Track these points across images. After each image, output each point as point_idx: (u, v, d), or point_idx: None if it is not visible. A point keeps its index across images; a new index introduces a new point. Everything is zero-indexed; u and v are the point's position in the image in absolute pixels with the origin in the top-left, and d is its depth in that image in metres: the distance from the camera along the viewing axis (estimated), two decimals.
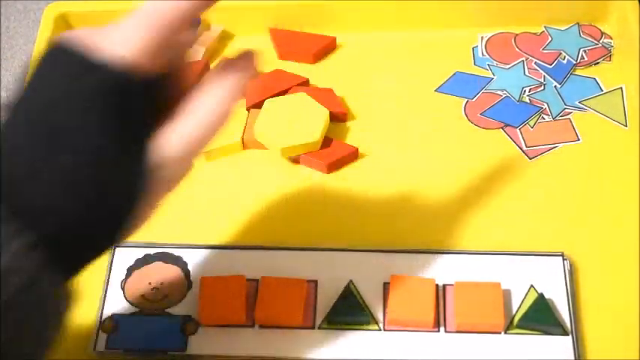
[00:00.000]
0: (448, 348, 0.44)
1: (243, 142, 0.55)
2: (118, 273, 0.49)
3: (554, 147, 0.54)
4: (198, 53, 0.60)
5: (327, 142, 0.54)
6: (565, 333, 0.44)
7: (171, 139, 0.35)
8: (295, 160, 0.54)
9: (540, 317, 0.44)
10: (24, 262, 0.30)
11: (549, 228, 0.50)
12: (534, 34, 0.60)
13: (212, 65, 0.59)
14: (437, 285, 0.46)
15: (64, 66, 0.35)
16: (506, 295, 0.46)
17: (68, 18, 0.61)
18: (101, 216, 0.33)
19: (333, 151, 0.54)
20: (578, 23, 0.60)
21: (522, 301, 0.46)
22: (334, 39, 0.61)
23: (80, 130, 0.32)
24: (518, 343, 0.44)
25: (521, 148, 0.54)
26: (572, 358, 0.44)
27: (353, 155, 0.54)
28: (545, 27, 0.60)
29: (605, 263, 0.48)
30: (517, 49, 0.59)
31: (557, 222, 0.50)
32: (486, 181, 0.53)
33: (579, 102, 0.56)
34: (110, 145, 0.32)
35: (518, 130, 0.55)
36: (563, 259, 0.47)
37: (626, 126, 0.55)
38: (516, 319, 0.45)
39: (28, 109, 0.33)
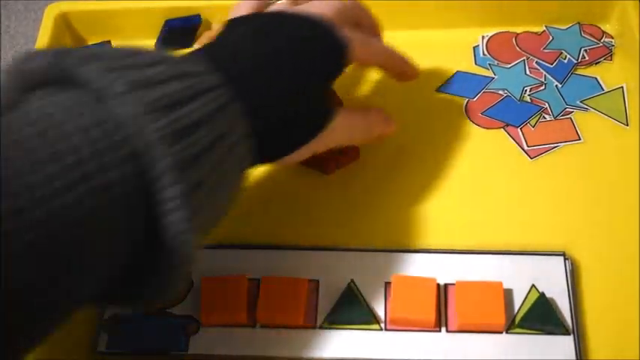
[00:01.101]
0: (449, 347, 0.44)
1: None
2: None
3: (555, 146, 0.54)
4: None
5: None
6: (567, 332, 0.44)
7: None
8: None
9: (542, 317, 0.44)
10: (235, 124, 0.37)
11: (550, 227, 0.50)
12: (535, 33, 0.60)
13: None
14: (438, 284, 0.46)
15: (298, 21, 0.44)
16: (508, 295, 0.46)
17: (69, 18, 0.61)
18: (299, 112, 0.42)
19: (333, 150, 0.53)
20: (579, 23, 0.60)
21: (524, 301, 0.46)
22: None
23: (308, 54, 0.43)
24: (519, 343, 0.44)
25: (522, 148, 0.54)
26: (574, 357, 0.44)
27: (354, 155, 0.54)
28: (546, 26, 0.60)
29: (606, 263, 0.48)
30: (518, 48, 0.59)
31: (558, 221, 0.50)
32: (487, 180, 0.53)
33: (580, 101, 0.56)
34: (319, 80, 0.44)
35: (519, 129, 0.55)
36: (565, 259, 0.47)
37: (627, 125, 0.55)
38: (518, 318, 0.45)
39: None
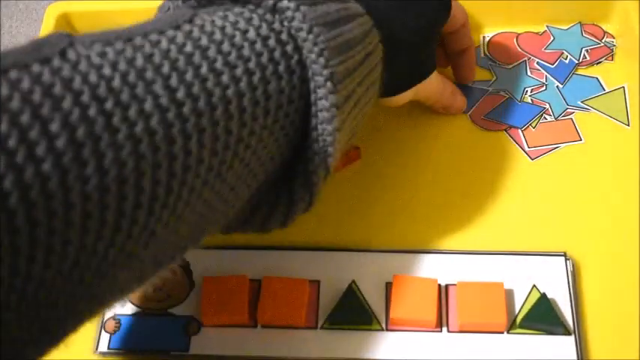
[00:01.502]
0: (451, 348, 0.44)
1: None
2: None
3: (557, 147, 0.54)
4: None
5: None
6: (568, 333, 0.44)
7: None
8: None
9: (543, 317, 0.44)
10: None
11: (552, 228, 0.50)
12: (536, 33, 0.60)
13: None
14: (439, 285, 0.46)
15: None
16: (509, 295, 0.46)
17: (70, 18, 0.61)
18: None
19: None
20: (580, 23, 0.60)
21: (525, 301, 0.46)
22: None
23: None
24: (520, 343, 0.44)
25: (523, 149, 0.54)
26: (575, 358, 0.44)
27: (355, 155, 0.54)
28: (547, 26, 0.60)
29: (608, 263, 0.48)
30: (519, 48, 0.59)
31: (559, 222, 0.50)
32: (489, 181, 0.53)
33: (581, 102, 0.56)
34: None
35: (520, 130, 0.55)
36: (566, 259, 0.47)
37: (628, 125, 0.55)
38: (519, 318, 0.45)
39: None
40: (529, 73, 0.58)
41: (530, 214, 0.51)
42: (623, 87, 0.57)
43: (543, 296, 0.45)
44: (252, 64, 0.34)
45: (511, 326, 0.45)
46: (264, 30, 0.35)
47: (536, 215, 0.51)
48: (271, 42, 0.35)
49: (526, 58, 0.59)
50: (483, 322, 0.44)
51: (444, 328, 0.45)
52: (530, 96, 0.56)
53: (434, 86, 0.51)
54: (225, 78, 0.33)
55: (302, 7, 0.35)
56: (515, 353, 0.44)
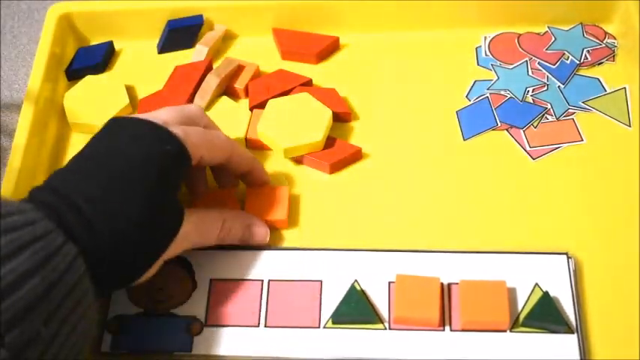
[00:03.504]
0: (454, 347, 0.45)
1: (246, 142, 0.55)
2: None
3: (558, 147, 0.54)
4: (201, 53, 0.60)
5: (330, 142, 0.54)
6: (570, 331, 0.44)
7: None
8: (298, 161, 0.54)
9: (545, 315, 0.44)
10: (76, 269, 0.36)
11: (553, 228, 0.50)
12: (538, 34, 0.60)
13: (215, 65, 0.59)
14: (442, 284, 0.46)
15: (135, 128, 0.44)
16: (512, 294, 0.46)
17: (71, 18, 0.61)
18: (144, 239, 0.40)
19: (336, 151, 0.54)
20: (581, 23, 0.60)
21: (527, 300, 0.46)
22: (337, 39, 0.61)
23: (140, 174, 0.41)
24: (523, 342, 0.44)
25: (524, 149, 0.54)
26: (578, 356, 0.44)
27: (356, 155, 0.54)
28: (548, 27, 0.60)
29: (609, 263, 0.48)
30: (520, 49, 0.59)
31: (560, 222, 0.50)
32: (490, 181, 0.53)
33: (583, 102, 0.56)
34: (160, 190, 0.41)
35: (521, 130, 0.55)
36: (568, 258, 0.47)
37: (629, 126, 0.55)
38: (521, 317, 0.45)
39: (94, 153, 0.42)
40: (530, 74, 0.58)
41: (532, 213, 0.51)
42: (625, 88, 0.57)
43: (546, 295, 0.45)
44: None
45: (514, 325, 0.45)
46: None
47: (537, 215, 0.51)
48: None
49: (527, 59, 0.59)
50: (486, 320, 0.44)
51: (447, 327, 0.45)
52: (531, 96, 0.57)
53: (195, 233, 0.45)
54: None
55: None
56: (518, 352, 0.44)
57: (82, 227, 0.38)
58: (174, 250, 0.43)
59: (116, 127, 0.44)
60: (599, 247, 0.49)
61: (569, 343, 0.44)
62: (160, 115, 0.45)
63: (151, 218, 0.40)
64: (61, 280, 0.35)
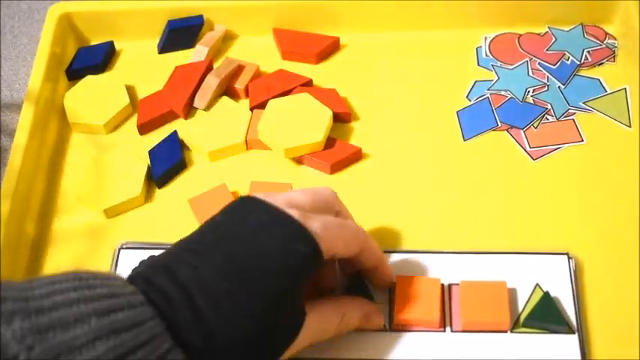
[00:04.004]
0: (455, 347, 0.44)
1: (246, 143, 0.55)
2: (123, 274, 0.49)
3: (558, 148, 0.54)
4: (201, 53, 0.60)
5: (330, 142, 0.54)
6: (571, 331, 0.44)
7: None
8: (299, 161, 0.54)
9: (546, 316, 0.44)
10: None
11: (553, 228, 0.50)
12: (538, 34, 0.60)
13: (215, 65, 0.59)
14: (442, 284, 0.46)
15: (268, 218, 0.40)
16: (512, 294, 0.46)
17: (72, 18, 0.61)
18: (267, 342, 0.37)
19: (336, 151, 0.54)
20: (582, 24, 0.60)
21: (528, 300, 0.46)
22: (338, 39, 0.61)
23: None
24: (524, 342, 0.44)
25: (524, 149, 0.54)
26: (579, 357, 0.44)
27: (356, 155, 0.54)
28: (549, 27, 0.60)
29: (609, 263, 0.48)
30: (521, 49, 0.59)
31: (561, 222, 0.50)
32: (490, 182, 0.53)
33: (583, 103, 0.56)
34: (290, 293, 0.38)
35: (522, 131, 0.55)
36: (569, 258, 0.47)
37: (629, 127, 0.55)
38: (522, 318, 0.45)
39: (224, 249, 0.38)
40: (531, 74, 0.58)
41: (532, 214, 0.51)
42: (625, 88, 0.57)
43: (546, 295, 0.45)
44: None
45: (514, 325, 0.45)
46: None
47: (538, 215, 0.51)
48: None
49: (528, 59, 0.59)
50: (487, 321, 0.44)
51: (448, 328, 0.45)
52: (532, 96, 0.57)
53: (307, 338, 0.41)
54: None
55: None
56: (519, 352, 0.44)
57: (196, 334, 0.34)
58: (287, 354, 0.39)
59: (245, 209, 0.40)
60: (599, 248, 0.49)
61: (570, 343, 0.44)
62: (293, 199, 0.41)
63: (273, 326, 0.37)
64: None
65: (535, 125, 0.55)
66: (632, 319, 0.46)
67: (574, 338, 0.44)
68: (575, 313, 0.45)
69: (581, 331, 0.44)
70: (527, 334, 0.45)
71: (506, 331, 0.45)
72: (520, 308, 0.46)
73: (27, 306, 0.31)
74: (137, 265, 0.38)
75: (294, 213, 0.39)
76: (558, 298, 0.46)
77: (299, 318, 0.40)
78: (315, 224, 0.40)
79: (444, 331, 0.45)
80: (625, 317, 0.46)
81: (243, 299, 0.36)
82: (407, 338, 0.45)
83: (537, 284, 0.46)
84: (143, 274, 0.36)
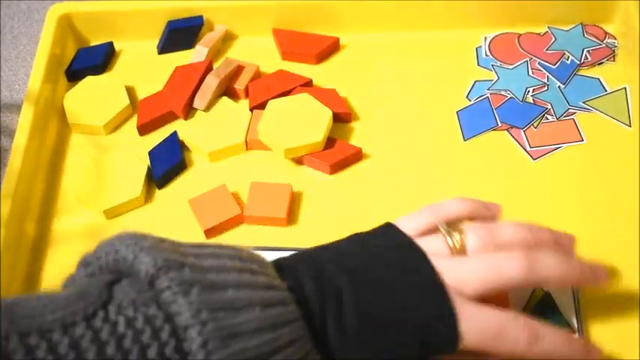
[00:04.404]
0: None
1: (246, 143, 0.55)
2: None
3: (558, 147, 0.54)
4: (201, 54, 0.60)
5: (330, 142, 0.54)
6: (572, 331, 0.44)
7: None
8: (299, 161, 0.54)
9: (547, 315, 0.44)
10: None
11: (553, 228, 0.50)
12: (538, 34, 0.60)
13: (215, 65, 0.59)
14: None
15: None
16: (513, 294, 0.46)
17: (72, 18, 0.61)
18: None
19: (336, 151, 0.54)
20: (582, 23, 0.60)
21: (528, 300, 0.46)
22: (338, 39, 0.61)
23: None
24: None
25: (524, 149, 0.54)
26: None
27: (356, 156, 0.54)
28: (549, 27, 0.60)
29: (609, 263, 0.48)
30: (521, 49, 0.59)
31: (561, 222, 0.50)
32: (490, 182, 0.53)
33: (583, 102, 0.56)
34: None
35: (522, 130, 0.55)
36: None
37: (630, 126, 0.55)
38: None
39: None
40: (531, 74, 0.58)
41: (532, 214, 0.51)
42: (625, 88, 0.57)
43: (547, 295, 0.45)
44: None
45: None
46: (168, 350, 0.30)
47: (537, 216, 0.50)
48: None
49: (528, 59, 0.59)
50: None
51: None
52: (532, 96, 0.57)
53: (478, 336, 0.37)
54: None
55: (209, 348, 0.30)
56: None
57: (335, 339, 0.35)
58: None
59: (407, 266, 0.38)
60: (599, 248, 0.48)
61: None
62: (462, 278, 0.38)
63: None
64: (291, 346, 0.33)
65: (535, 125, 0.55)
66: (632, 318, 0.45)
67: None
68: (575, 312, 0.45)
69: (582, 331, 0.44)
70: None
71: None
72: (521, 308, 0.45)
73: (204, 278, 0.32)
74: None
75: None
76: (558, 298, 0.46)
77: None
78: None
79: None
80: (625, 318, 0.46)
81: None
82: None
83: None
84: (292, 270, 0.36)
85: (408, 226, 0.41)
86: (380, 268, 0.37)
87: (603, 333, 0.45)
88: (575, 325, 0.45)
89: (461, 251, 0.39)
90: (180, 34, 0.61)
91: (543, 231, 0.42)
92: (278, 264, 0.37)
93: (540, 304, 0.45)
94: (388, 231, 0.41)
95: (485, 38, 0.60)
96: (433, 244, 0.39)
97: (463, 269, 0.38)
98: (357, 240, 0.40)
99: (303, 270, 0.36)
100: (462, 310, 0.36)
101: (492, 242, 0.39)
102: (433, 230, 0.41)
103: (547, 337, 0.37)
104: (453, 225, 0.41)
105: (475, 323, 0.37)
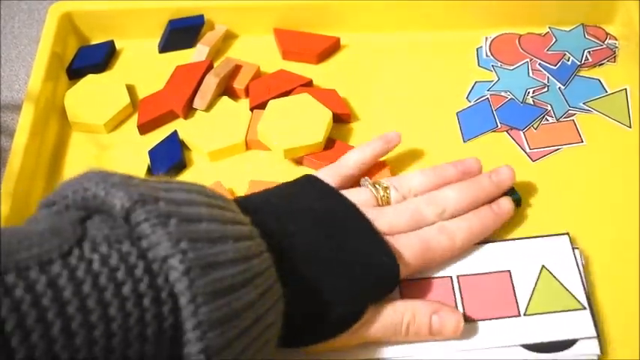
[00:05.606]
0: (468, 336, 0.44)
1: (246, 143, 0.55)
2: None
3: (558, 149, 0.54)
4: (202, 53, 0.60)
5: (330, 143, 0.54)
6: (582, 307, 0.44)
7: None
8: (298, 162, 0.54)
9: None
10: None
11: (553, 229, 0.50)
12: (539, 34, 0.60)
13: (216, 64, 0.59)
14: (451, 279, 0.46)
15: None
16: (519, 279, 0.46)
17: (73, 17, 0.61)
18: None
19: (336, 152, 0.54)
20: (582, 24, 0.60)
21: (536, 283, 0.45)
22: (338, 39, 0.61)
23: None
24: (537, 324, 0.44)
25: (524, 150, 0.54)
26: (593, 332, 0.43)
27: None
28: (549, 28, 0.60)
29: (610, 264, 0.48)
30: (521, 49, 0.59)
31: (561, 223, 0.50)
32: None
33: (583, 103, 0.56)
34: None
35: (521, 132, 0.55)
36: (569, 238, 0.47)
37: (630, 127, 0.55)
38: (532, 300, 0.45)
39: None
40: (531, 74, 0.58)
41: (532, 215, 0.51)
42: (625, 89, 0.57)
43: (553, 276, 0.45)
44: (121, 321, 0.30)
45: (526, 309, 0.44)
46: (142, 286, 0.31)
47: (537, 217, 0.51)
48: (146, 301, 0.31)
49: (528, 60, 0.59)
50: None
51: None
52: (532, 97, 0.56)
53: (368, 334, 0.42)
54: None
55: (191, 276, 0.31)
56: (533, 335, 0.43)
57: (288, 279, 0.37)
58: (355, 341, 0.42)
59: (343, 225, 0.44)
60: (599, 249, 0.49)
61: (582, 319, 0.44)
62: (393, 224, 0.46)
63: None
64: (275, 324, 0.36)
65: (535, 126, 0.55)
66: (632, 319, 0.45)
67: (586, 314, 0.44)
68: (584, 288, 0.45)
69: (591, 307, 0.44)
70: (539, 315, 0.44)
71: (518, 316, 0.44)
72: (529, 292, 0.45)
73: (179, 211, 0.33)
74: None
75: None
76: (565, 277, 0.45)
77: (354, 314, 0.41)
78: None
79: None
80: (625, 318, 0.45)
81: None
82: None
83: (543, 266, 0.46)
84: (246, 206, 0.39)
85: (329, 180, 0.47)
86: (321, 218, 0.43)
87: (604, 334, 0.45)
88: (586, 302, 0.44)
89: (387, 202, 0.47)
90: (181, 33, 0.61)
91: (446, 168, 0.49)
92: (236, 201, 0.40)
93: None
94: (315, 183, 0.47)
95: (486, 39, 0.60)
96: (359, 196, 0.46)
97: (391, 215, 0.45)
98: (285, 190, 0.46)
99: (264, 210, 0.41)
100: (394, 244, 0.43)
101: (409, 191, 0.47)
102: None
103: (457, 230, 0.46)
104: (377, 181, 0.48)
105: (406, 249, 0.43)
